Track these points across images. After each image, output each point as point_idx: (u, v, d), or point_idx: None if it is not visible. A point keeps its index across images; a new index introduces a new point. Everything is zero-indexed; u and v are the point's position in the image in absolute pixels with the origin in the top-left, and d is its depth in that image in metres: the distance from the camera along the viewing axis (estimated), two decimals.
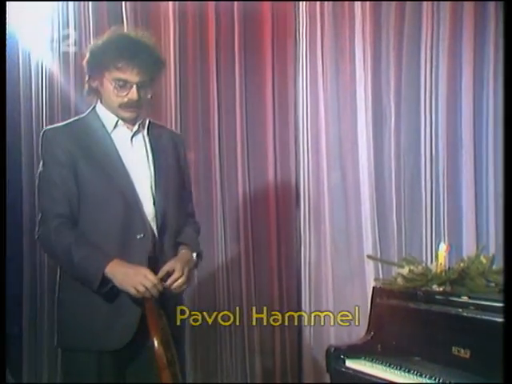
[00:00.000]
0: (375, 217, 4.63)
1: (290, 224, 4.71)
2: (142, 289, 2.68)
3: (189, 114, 4.56)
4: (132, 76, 2.84)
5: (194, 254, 2.98)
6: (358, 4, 4.64)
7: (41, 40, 4.35)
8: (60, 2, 4.34)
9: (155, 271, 2.81)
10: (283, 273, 4.69)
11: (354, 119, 4.69)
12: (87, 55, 2.94)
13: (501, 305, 2.74)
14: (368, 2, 4.64)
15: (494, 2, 4.61)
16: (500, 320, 2.68)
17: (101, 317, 2.83)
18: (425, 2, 4.65)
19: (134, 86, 2.86)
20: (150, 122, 3.04)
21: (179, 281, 2.82)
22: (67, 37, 4.38)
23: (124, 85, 2.86)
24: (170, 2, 4.48)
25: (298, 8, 4.69)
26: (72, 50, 4.38)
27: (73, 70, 4.38)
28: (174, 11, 4.48)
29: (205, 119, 4.61)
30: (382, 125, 4.71)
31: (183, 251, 2.96)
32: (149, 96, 2.96)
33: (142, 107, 2.95)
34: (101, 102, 2.97)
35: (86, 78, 2.97)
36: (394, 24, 4.69)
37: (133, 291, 2.70)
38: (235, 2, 4.58)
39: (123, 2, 4.38)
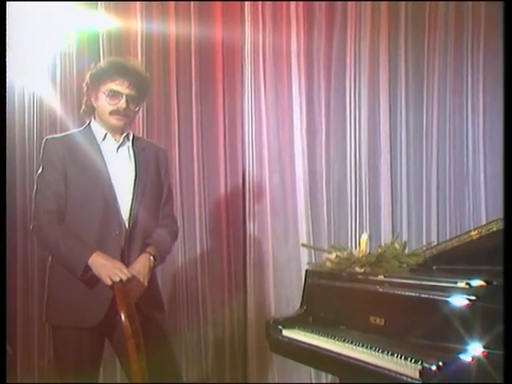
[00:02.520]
0: (309, 211, 4.63)
1: (237, 217, 4.66)
2: (116, 279, 2.67)
3: (153, 131, 4.51)
4: (123, 88, 2.89)
5: (152, 258, 2.91)
6: (294, 41, 4.65)
7: (32, 67, 4.29)
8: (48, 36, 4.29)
9: (126, 263, 2.82)
10: (232, 257, 4.65)
11: (291, 132, 4.68)
12: (86, 78, 2.98)
13: (410, 281, 2.79)
14: (303, 41, 4.66)
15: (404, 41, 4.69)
16: (408, 293, 2.71)
17: (79, 298, 2.81)
18: (348, 40, 4.69)
19: (124, 97, 2.90)
20: (134, 135, 3.04)
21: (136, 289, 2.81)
22: (54, 64, 4.35)
23: (115, 95, 2.89)
24: (139, 38, 4.45)
25: (245, 43, 4.66)
26: (58, 74, 4.36)
27: (58, 92, 4.35)
28: (142, 46, 4.46)
29: (167, 132, 4.56)
30: (315, 137, 4.71)
31: (142, 255, 2.90)
32: (136, 109, 2.99)
33: (128, 118, 2.97)
34: (94, 119, 2.98)
35: (84, 100, 3.01)
36: (324, 58, 4.72)
37: (107, 280, 2.68)
38: (192, 38, 4.55)
39: (101, 39, 4.35)
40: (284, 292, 4.62)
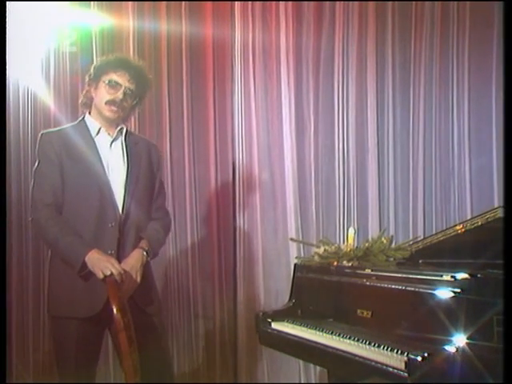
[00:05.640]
0: (298, 207, 4.62)
1: (228, 212, 4.65)
2: (107, 272, 2.69)
3: (145, 127, 4.49)
4: (123, 80, 2.94)
5: (145, 253, 2.92)
6: (283, 39, 4.64)
7: (26, 65, 4.29)
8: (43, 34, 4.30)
9: (120, 254, 2.86)
10: (222, 252, 4.64)
11: (280, 128, 4.67)
12: (90, 70, 3.03)
13: (396, 275, 2.79)
14: (291, 39, 4.65)
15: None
16: (394, 287, 2.71)
17: (78, 289, 2.83)
18: (336, 39, 4.68)
19: (122, 88, 2.94)
20: (127, 130, 3.06)
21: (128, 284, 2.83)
22: (48, 62, 4.36)
23: (115, 85, 2.93)
24: (131, 36, 4.45)
25: (235, 41, 4.66)
26: (51, 72, 4.36)
27: (52, 88, 4.35)
28: (134, 44, 4.46)
29: (159, 128, 4.55)
30: (303, 133, 4.70)
31: (135, 251, 2.92)
32: (133, 104, 3.03)
33: (123, 111, 2.99)
34: (89, 114, 3.00)
35: (84, 91, 3.05)
36: (312, 56, 4.71)
37: (100, 274, 2.70)
38: (183, 37, 4.56)
39: (93, 37, 4.36)
40: (273, 285, 4.61)
